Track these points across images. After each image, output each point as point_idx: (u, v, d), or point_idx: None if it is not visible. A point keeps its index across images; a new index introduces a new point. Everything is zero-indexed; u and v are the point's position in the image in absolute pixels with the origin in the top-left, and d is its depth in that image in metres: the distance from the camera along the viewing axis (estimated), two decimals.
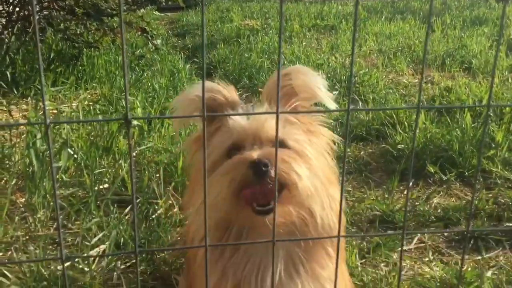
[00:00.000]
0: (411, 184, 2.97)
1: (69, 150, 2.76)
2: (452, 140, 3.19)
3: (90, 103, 3.79)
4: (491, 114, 3.63)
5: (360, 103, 4.25)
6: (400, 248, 2.35)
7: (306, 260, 1.35)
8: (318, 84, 1.38)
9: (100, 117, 3.39)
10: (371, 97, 4.36)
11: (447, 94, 4.36)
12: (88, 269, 2.10)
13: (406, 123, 3.60)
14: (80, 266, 2.13)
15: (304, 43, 6.93)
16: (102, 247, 2.26)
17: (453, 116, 3.74)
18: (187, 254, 1.84)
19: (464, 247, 0.96)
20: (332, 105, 1.42)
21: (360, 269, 2.16)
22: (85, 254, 2.18)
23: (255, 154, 1.23)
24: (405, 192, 2.88)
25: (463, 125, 3.41)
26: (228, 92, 1.42)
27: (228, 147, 1.31)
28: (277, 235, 1.30)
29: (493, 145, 3.21)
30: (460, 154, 3.10)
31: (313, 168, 1.29)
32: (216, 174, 1.29)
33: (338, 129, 3.71)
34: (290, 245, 1.33)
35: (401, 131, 3.50)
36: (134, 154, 3.04)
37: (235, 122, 1.33)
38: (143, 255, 2.23)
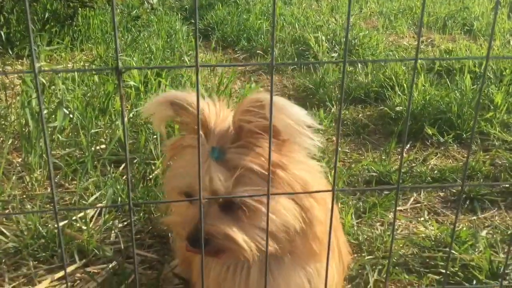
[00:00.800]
0: (408, 146, 2.97)
1: (64, 110, 2.73)
2: (451, 102, 3.17)
3: (86, 64, 3.74)
4: (491, 76, 3.60)
5: (359, 65, 4.21)
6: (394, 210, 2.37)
7: (289, 251, 1.32)
8: (300, 124, 1.14)
9: (96, 78, 3.35)
10: (370, 59, 4.31)
11: (447, 56, 4.31)
12: (85, 227, 2.11)
13: (405, 85, 3.57)
14: (78, 225, 2.14)
15: (303, 5, 6.81)
16: (99, 205, 2.27)
17: (452, 78, 3.71)
18: None
19: (458, 204, 0.96)
20: (314, 145, 1.21)
21: (356, 229, 2.18)
22: (79, 211, 2.19)
23: (189, 229, 1.18)
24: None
25: (463, 87, 3.39)
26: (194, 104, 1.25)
27: (181, 189, 1.25)
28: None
29: (492, 107, 3.19)
30: (458, 116, 3.08)
31: (274, 222, 1.20)
32: (173, 212, 1.31)
33: (336, 92, 3.69)
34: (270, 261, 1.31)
35: (400, 93, 3.48)
36: (130, 115, 3.02)
37: (181, 168, 1.24)
38: (140, 214, 2.24)
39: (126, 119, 2.92)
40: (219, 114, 1.28)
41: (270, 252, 1.24)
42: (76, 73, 3.42)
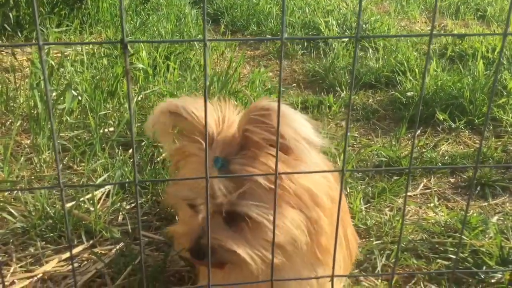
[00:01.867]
0: (419, 131, 2.93)
1: (73, 92, 2.73)
2: (463, 88, 3.12)
3: (95, 47, 3.72)
4: (504, 62, 3.53)
5: (370, 50, 4.15)
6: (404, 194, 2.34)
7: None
8: (308, 135, 1.11)
9: (104, 60, 3.34)
10: (381, 44, 4.25)
11: (460, 42, 4.24)
12: (93, 208, 2.11)
13: (416, 70, 3.52)
14: (86, 206, 2.14)
15: None
16: (107, 187, 2.27)
17: (465, 63, 3.65)
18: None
19: (471, 188, 0.94)
20: (319, 158, 1.21)
21: (364, 214, 2.16)
22: (87, 192, 2.19)
23: (191, 241, 1.17)
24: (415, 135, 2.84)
25: (475, 73, 3.33)
26: (196, 111, 1.22)
27: (184, 197, 1.22)
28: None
29: (505, 93, 3.14)
30: (470, 102, 3.03)
31: (270, 235, 1.15)
32: (179, 222, 1.31)
33: (347, 77, 3.64)
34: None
35: (411, 78, 3.43)
36: (139, 98, 3.01)
37: (189, 181, 1.21)
38: (148, 197, 2.24)
39: (134, 102, 2.90)
40: (224, 121, 1.24)
41: (276, 264, 1.21)
42: (85, 55, 3.41)
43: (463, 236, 1.94)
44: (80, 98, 2.84)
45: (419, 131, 2.93)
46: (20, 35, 4.10)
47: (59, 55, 3.66)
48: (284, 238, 1.19)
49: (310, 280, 1.36)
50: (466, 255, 1.87)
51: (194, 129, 1.22)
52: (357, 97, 3.41)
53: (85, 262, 1.90)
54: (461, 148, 2.75)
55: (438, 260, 1.88)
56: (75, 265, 1.88)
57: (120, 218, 2.15)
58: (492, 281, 1.78)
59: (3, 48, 3.83)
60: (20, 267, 1.86)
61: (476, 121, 2.95)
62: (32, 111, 2.74)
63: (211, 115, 1.23)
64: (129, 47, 3.60)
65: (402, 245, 1.96)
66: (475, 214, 2.12)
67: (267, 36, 4.73)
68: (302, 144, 1.10)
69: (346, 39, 4.34)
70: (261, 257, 1.19)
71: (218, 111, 1.25)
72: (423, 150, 2.68)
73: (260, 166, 1.15)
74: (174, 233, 1.28)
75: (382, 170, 2.48)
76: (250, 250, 1.18)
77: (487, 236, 1.98)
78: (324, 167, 1.31)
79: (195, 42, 4.07)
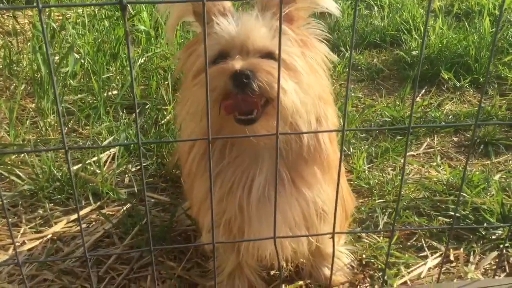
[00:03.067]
0: (423, 91, 2.92)
1: (75, 55, 2.72)
2: (469, 46, 3.08)
3: (96, 8, 3.68)
4: (511, 19, 3.47)
5: (375, 8, 4.08)
6: (407, 153, 2.35)
7: (292, 178, 1.33)
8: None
9: (106, 22, 3.30)
10: (387, 2, 4.18)
11: (467, 1, 4.15)
12: (99, 171, 2.14)
13: (422, 28, 3.47)
14: (92, 169, 2.17)
15: None
16: (112, 150, 2.29)
17: (471, 21, 3.59)
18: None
19: (470, 146, 0.94)
20: (335, 9, 1.31)
21: (367, 173, 2.18)
22: (93, 155, 2.21)
23: (237, 64, 1.17)
24: (417, 99, 2.83)
25: (481, 30, 3.28)
26: None
27: (214, 55, 1.24)
28: (260, 152, 1.28)
29: (510, 51, 3.10)
30: (476, 60, 3.00)
31: (302, 83, 1.23)
32: (197, 83, 1.25)
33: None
34: (274, 159, 1.30)
35: (416, 37, 3.39)
36: (142, 60, 2.99)
37: (223, 29, 1.24)
38: (153, 159, 2.26)
39: (137, 64, 2.89)
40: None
41: (282, 142, 1.27)
42: (86, 18, 3.37)
43: (465, 194, 1.96)
44: (82, 61, 2.83)
45: (423, 90, 2.92)
46: None
47: (61, 17, 3.63)
48: (304, 93, 1.24)
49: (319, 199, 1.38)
50: (468, 212, 1.90)
51: (216, 10, 1.29)
52: (361, 57, 3.38)
53: (93, 222, 1.94)
54: (465, 107, 2.75)
55: (440, 218, 1.91)
56: (84, 226, 1.93)
57: (126, 180, 2.18)
58: (493, 237, 1.81)
59: (4, 11, 3.79)
60: (30, 228, 1.91)
61: (481, 79, 2.92)
62: (36, 75, 2.74)
63: None
64: (130, 8, 3.56)
65: (404, 203, 1.98)
66: (477, 172, 2.14)
67: None
68: None
69: None
70: (295, 99, 1.21)
71: None
72: (427, 110, 2.68)
73: (287, 23, 1.27)
74: (209, 75, 1.24)
75: (384, 130, 2.49)
76: (288, 81, 1.22)
77: (488, 193, 2.00)
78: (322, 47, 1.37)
79: None
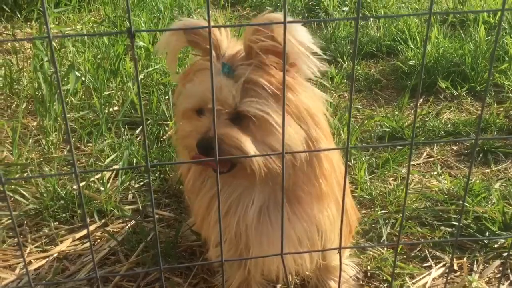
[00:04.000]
0: (421, 100, 2.95)
1: (76, 73, 2.74)
2: (465, 54, 3.11)
3: (95, 25, 3.71)
4: (506, 27, 3.51)
5: (371, 19, 4.12)
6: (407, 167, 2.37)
7: (291, 197, 1.34)
8: (305, 43, 1.19)
9: (105, 39, 3.33)
10: (382, 12, 4.23)
11: (461, 7, 4.21)
12: (103, 188, 2.15)
13: (418, 38, 3.51)
14: (96, 186, 2.19)
15: None
16: (116, 167, 2.31)
17: (466, 29, 3.63)
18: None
19: (472, 157, 0.97)
20: (317, 67, 1.25)
21: (368, 184, 2.20)
22: (96, 172, 2.23)
23: (199, 135, 1.21)
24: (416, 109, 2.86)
25: (477, 39, 3.32)
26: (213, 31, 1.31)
27: (193, 107, 1.29)
28: (255, 180, 1.30)
29: (507, 58, 3.14)
30: (472, 69, 3.04)
31: (277, 137, 1.22)
32: (178, 134, 1.34)
33: (348, 47, 3.64)
34: (272, 183, 1.32)
35: (412, 47, 3.42)
36: (141, 76, 3.02)
37: (194, 87, 1.28)
38: (156, 175, 2.28)
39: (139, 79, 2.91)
40: (230, 40, 1.33)
41: (273, 172, 1.27)
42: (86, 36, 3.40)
43: (466, 204, 1.98)
44: (83, 78, 2.85)
45: (421, 100, 2.95)
46: (19, 15, 4.08)
47: (59, 34, 3.65)
48: (286, 146, 1.23)
49: (319, 219, 1.39)
50: (470, 221, 1.92)
51: (206, 43, 1.30)
52: (359, 67, 3.41)
53: (98, 240, 1.95)
54: (464, 115, 2.77)
55: (442, 227, 1.93)
56: (89, 244, 1.93)
57: (130, 196, 2.19)
58: (495, 245, 1.83)
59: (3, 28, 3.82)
60: (36, 247, 1.92)
61: (478, 87, 2.96)
62: (37, 93, 2.76)
63: (223, 33, 1.32)
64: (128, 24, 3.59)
65: (407, 213, 2.00)
66: (477, 181, 2.16)
67: (267, 8, 4.69)
68: (300, 50, 1.19)
69: (346, 8, 4.31)
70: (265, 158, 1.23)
71: (225, 32, 1.33)
72: (426, 119, 2.70)
73: (263, 71, 1.23)
74: (182, 132, 1.30)
75: (385, 142, 2.51)
76: (255, 146, 1.22)
77: (490, 202, 2.02)
78: (318, 92, 1.36)
79: (194, 15, 4.05)
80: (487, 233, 1.85)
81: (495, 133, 2.55)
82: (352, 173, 2.28)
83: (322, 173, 1.32)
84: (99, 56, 3.17)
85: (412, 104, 2.90)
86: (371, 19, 4.05)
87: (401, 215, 1.96)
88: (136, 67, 0.89)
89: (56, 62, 0.91)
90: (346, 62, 3.44)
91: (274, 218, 1.36)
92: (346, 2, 4.53)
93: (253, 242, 1.38)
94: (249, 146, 1.22)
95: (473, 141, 2.39)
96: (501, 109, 2.77)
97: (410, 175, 2.29)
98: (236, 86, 1.21)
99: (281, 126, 1.21)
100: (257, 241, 1.37)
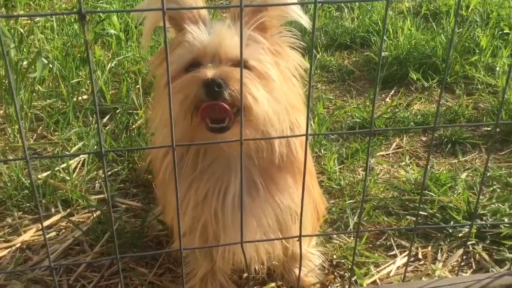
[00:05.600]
0: (392, 91, 2.96)
1: (44, 60, 2.68)
2: (436, 46, 3.14)
3: (65, 11, 3.64)
4: (478, 20, 3.55)
5: (345, 10, 4.13)
6: (377, 153, 2.39)
7: (266, 184, 1.34)
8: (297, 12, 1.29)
9: (75, 26, 3.27)
10: (357, 4, 4.23)
11: None
12: (68, 177, 2.12)
13: (391, 29, 3.52)
14: (61, 175, 2.15)
15: None
16: (82, 156, 2.27)
17: (439, 22, 3.66)
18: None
19: (430, 146, 0.97)
20: (305, 21, 1.33)
21: (338, 174, 2.20)
22: (62, 161, 2.19)
23: (209, 72, 1.17)
24: (386, 100, 2.88)
25: (449, 31, 3.35)
26: (193, 1, 1.31)
27: (187, 63, 1.25)
28: (233, 159, 1.29)
29: (477, 51, 3.18)
30: (443, 61, 3.06)
31: (275, 92, 1.24)
32: (175, 88, 1.22)
33: (323, 38, 3.64)
34: (248, 165, 1.31)
35: (385, 38, 3.44)
36: (112, 64, 2.97)
37: (195, 37, 1.24)
38: (124, 164, 2.25)
39: (107, 68, 2.86)
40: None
41: (254, 150, 1.27)
42: (55, 22, 3.33)
43: (432, 193, 2.01)
44: (51, 66, 2.80)
45: (392, 91, 2.96)
46: None
47: (29, 21, 3.57)
48: (276, 102, 1.25)
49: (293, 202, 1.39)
50: (435, 211, 1.94)
51: (191, 18, 1.30)
52: (332, 58, 3.41)
53: (63, 230, 1.92)
54: (433, 107, 2.80)
55: (408, 217, 1.95)
56: (53, 234, 1.90)
57: (97, 186, 2.16)
58: (460, 235, 1.85)
59: None
60: None
61: (449, 79, 2.98)
62: (3, 80, 2.70)
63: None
64: (99, 14, 3.53)
65: (374, 203, 2.01)
66: (444, 171, 2.18)
67: None
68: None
69: None
70: (266, 106, 1.22)
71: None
72: (397, 110, 2.72)
73: (258, 31, 1.27)
74: (180, 82, 1.22)
75: (356, 135, 2.52)
76: (260, 90, 1.22)
77: (456, 192, 2.05)
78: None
79: None
80: (451, 222, 1.87)
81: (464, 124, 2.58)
82: (322, 163, 2.28)
83: (298, 156, 1.33)
84: (68, 44, 3.11)
85: (383, 95, 2.92)
86: (345, 10, 4.05)
87: (367, 204, 1.97)
88: (88, 52, 0.86)
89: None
90: (320, 53, 3.44)
91: (249, 204, 1.34)
92: None
93: (228, 227, 1.35)
94: (257, 86, 1.21)
95: (443, 130, 2.42)
96: (470, 100, 2.80)
97: (379, 165, 2.30)
98: (237, 35, 1.22)
99: (278, 79, 1.25)
100: (232, 226, 1.35)
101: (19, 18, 3.19)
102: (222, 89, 1.14)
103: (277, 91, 1.25)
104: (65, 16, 3.39)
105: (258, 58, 1.24)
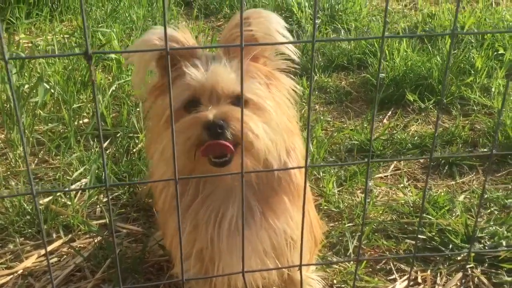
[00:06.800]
0: (390, 113, 3.00)
1: (45, 85, 2.71)
2: (432, 68, 3.18)
3: (66, 36, 3.68)
4: (473, 41, 3.61)
5: (342, 31, 4.19)
6: (376, 175, 2.41)
7: (262, 209, 1.36)
8: (279, 29, 1.31)
9: (76, 50, 3.31)
10: (353, 26, 4.29)
11: (430, 20, 4.30)
12: (70, 203, 2.13)
13: (387, 51, 3.57)
14: (63, 200, 2.17)
15: None
16: (84, 181, 2.29)
17: (434, 43, 3.71)
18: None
19: (428, 171, 0.99)
20: (292, 52, 1.38)
21: (337, 197, 2.23)
22: (64, 187, 2.21)
23: (210, 114, 1.21)
24: (384, 121, 2.91)
25: (444, 52, 3.40)
26: (186, 39, 1.36)
27: (185, 101, 1.28)
28: (233, 187, 1.32)
29: (472, 72, 3.22)
30: (439, 82, 3.10)
31: (272, 123, 1.28)
32: (178, 127, 1.26)
33: (320, 59, 3.68)
34: (246, 193, 1.34)
35: (382, 60, 3.48)
36: (113, 88, 3.00)
37: (192, 75, 1.28)
38: (125, 188, 2.27)
39: (108, 92, 2.90)
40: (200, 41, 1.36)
41: (254, 177, 1.30)
42: (55, 45, 3.37)
43: (430, 216, 2.02)
44: (52, 90, 2.83)
45: (390, 112, 3.00)
46: None
47: (30, 44, 3.62)
48: (274, 127, 1.29)
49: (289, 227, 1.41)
50: (434, 234, 1.96)
51: (184, 54, 1.33)
52: (330, 80, 3.45)
53: (65, 256, 1.93)
54: (431, 128, 2.83)
55: (407, 240, 1.96)
56: (55, 260, 1.91)
57: (98, 211, 2.18)
58: (458, 258, 1.87)
59: None
60: (0, 263, 1.89)
61: (445, 100, 3.02)
62: (5, 105, 2.73)
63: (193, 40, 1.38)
64: (100, 36, 3.57)
65: (373, 226, 2.03)
66: (442, 194, 2.21)
67: None
68: (273, 31, 1.30)
69: (318, 21, 4.37)
70: (266, 139, 1.25)
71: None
72: (394, 132, 2.75)
73: (253, 64, 1.32)
74: (183, 124, 1.25)
75: (354, 157, 2.55)
76: (259, 126, 1.25)
77: (454, 214, 2.07)
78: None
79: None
80: (450, 246, 1.89)
81: (460, 145, 2.61)
82: (321, 185, 2.30)
83: (296, 180, 1.36)
84: (69, 68, 3.15)
85: (381, 117, 2.95)
86: (342, 32, 4.11)
87: (367, 227, 1.99)
88: (94, 91, 0.89)
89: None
90: (318, 75, 3.48)
91: (245, 230, 1.36)
92: (318, 15, 4.59)
93: (223, 254, 1.38)
94: (256, 122, 1.24)
95: (440, 151, 2.44)
96: (467, 121, 2.83)
97: (378, 188, 2.32)
98: (233, 72, 1.27)
99: (274, 109, 1.29)
100: (228, 252, 1.37)
101: (20, 42, 3.23)
102: (224, 130, 1.18)
103: (274, 121, 1.29)
104: (66, 40, 3.43)
105: (255, 92, 1.28)
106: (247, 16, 1.29)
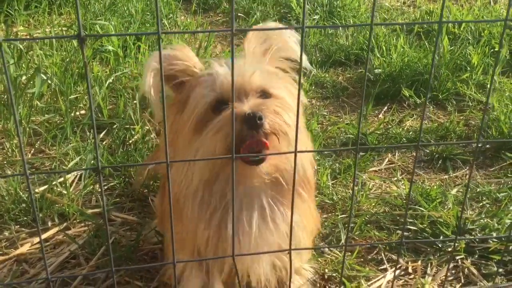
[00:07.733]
0: (385, 108, 3.02)
1: (42, 76, 2.73)
2: (429, 64, 3.20)
3: (64, 29, 3.69)
4: (469, 38, 3.62)
5: (340, 28, 4.20)
6: (370, 169, 2.43)
7: (282, 205, 1.40)
8: (295, 41, 1.43)
9: (74, 42, 3.32)
10: (351, 22, 4.30)
11: (428, 17, 4.32)
12: (65, 192, 2.15)
13: (384, 47, 3.59)
14: (59, 189, 2.18)
15: None
16: (79, 171, 2.30)
17: (431, 39, 3.73)
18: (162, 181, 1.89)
19: (414, 164, 1.01)
20: (306, 63, 1.47)
21: (331, 189, 2.24)
22: (59, 176, 2.22)
23: (246, 107, 1.25)
24: (379, 116, 2.93)
25: (441, 49, 3.42)
26: (185, 53, 1.41)
27: (212, 102, 1.31)
28: (262, 185, 1.35)
29: (468, 68, 3.24)
30: (435, 78, 3.12)
31: (291, 112, 1.33)
32: (208, 131, 1.29)
33: (318, 55, 3.70)
34: (268, 192, 1.37)
35: (379, 56, 3.50)
36: (110, 80, 3.02)
37: (218, 75, 1.32)
38: (121, 178, 2.28)
39: (105, 84, 2.91)
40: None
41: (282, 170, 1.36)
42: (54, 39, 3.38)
43: (422, 208, 2.04)
44: (49, 81, 2.84)
45: (385, 107, 3.02)
46: None
47: (28, 36, 3.63)
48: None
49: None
50: (425, 225, 1.98)
51: (185, 71, 1.40)
52: (327, 75, 3.47)
53: (60, 243, 1.95)
54: (425, 123, 2.85)
55: (398, 231, 1.98)
56: (50, 247, 1.93)
57: (93, 200, 2.19)
58: (449, 249, 1.89)
59: None
60: None
61: (440, 96, 3.04)
62: (2, 95, 2.74)
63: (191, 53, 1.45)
64: (98, 28, 3.58)
65: (366, 218, 2.05)
66: (435, 187, 2.22)
67: (239, 14, 4.74)
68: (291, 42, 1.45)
69: (316, 17, 4.38)
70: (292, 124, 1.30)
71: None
72: (389, 126, 2.77)
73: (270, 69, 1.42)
74: (219, 122, 1.28)
75: (349, 150, 2.57)
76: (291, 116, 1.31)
77: (446, 207, 2.09)
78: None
79: (166, 23, 4.07)
80: (441, 237, 1.91)
81: (455, 140, 2.63)
82: (315, 178, 2.32)
83: (306, 174, 1.42)
84: (67, 59, 3.16)
85: (376, 112, 2.97)
86: (340, 28, 4.12)
87: (359, 219, 2.01)
88: (87, 74, 0.91)
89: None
90: (315, 70, 3.50)
91: (266, 229, 1.40)
92: (317, 11, 4.60)
93: (245, 247, 1.39)
94: (288, 113, 1.30)
95: (434, 147, 2.45)
96: (461, 117, 2.85)
97: (371, 181, 2.34)
98: (258, 70, 1.34)
99: (291, 101, 1.36)
100: (247, 250, 1.39)
101: (18, 33, 3.24)
102: (262, 121, 1.23)
103: (293, 112, 1.34)
104: (64, 32, 3.44)
105: (278, 86, 1.37)
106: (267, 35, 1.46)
